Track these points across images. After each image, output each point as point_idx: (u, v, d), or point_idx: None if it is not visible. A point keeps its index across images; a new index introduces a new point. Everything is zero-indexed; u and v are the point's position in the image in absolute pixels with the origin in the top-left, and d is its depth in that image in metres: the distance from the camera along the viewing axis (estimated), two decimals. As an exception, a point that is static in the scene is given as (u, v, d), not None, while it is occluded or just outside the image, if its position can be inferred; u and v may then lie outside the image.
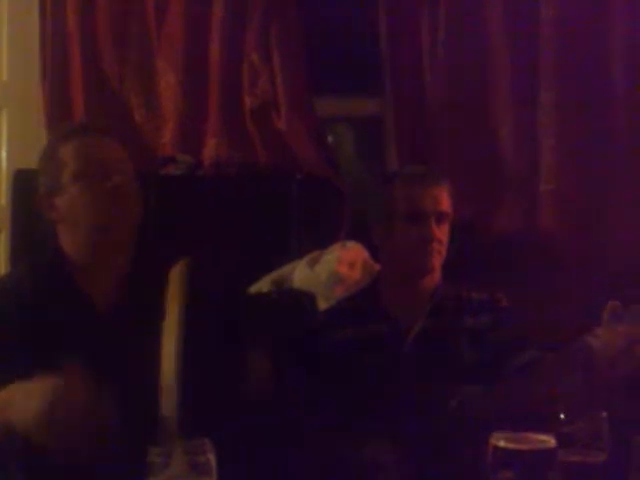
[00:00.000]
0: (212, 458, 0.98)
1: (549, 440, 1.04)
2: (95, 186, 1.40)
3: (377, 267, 1.94)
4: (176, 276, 1.37)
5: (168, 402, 1.23)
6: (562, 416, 1.16)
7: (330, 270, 2.01)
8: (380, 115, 2.35)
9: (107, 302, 1.40)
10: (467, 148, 2.19)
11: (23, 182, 2.02)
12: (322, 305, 1.91)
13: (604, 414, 1.15)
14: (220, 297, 1.48)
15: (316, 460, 1.43)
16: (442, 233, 1.65)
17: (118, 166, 1.43)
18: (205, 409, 1.23)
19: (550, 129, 2.16)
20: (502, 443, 1.04)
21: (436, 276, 1.69)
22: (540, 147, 2.17)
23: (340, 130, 2.49)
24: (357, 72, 2.38)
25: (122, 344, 1.33)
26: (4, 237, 2.25)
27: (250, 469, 1.26)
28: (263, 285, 2.05)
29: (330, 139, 2.34)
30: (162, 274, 1.41)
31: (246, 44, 2.22)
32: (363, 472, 1.42)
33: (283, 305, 1.96)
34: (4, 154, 2.35)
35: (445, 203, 1.67)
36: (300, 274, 2.05)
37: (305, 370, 1.62)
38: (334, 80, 2.37)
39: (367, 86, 2.37)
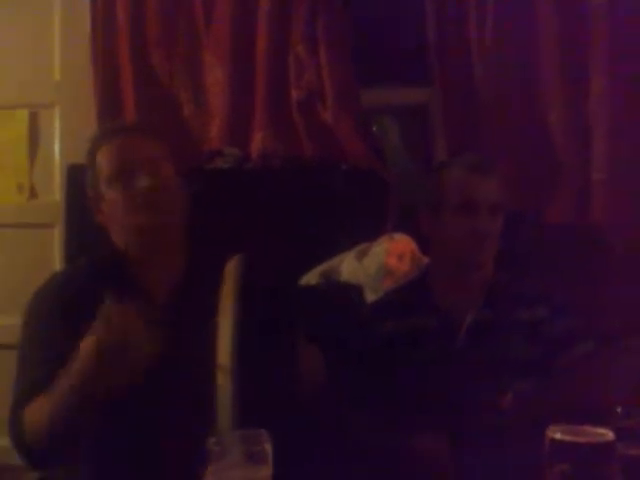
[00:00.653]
0: (268, 448, 0.99)
1: (607, 433, 1.03)
2: (126, 189, 1.40)
3: (426, 259, 1.93)
4: (231, 272, 1.38)
5: (223, 396, 1.25)
6: (619, 410, 1.14)
7: (379, 262, 2.00)
8: (426, 105, 2.33)
9: (163, 297, 1.42)
10: (516, 136, 2.16)
11: (76, 177, 2.05)
12: (370, 297, 1.91)
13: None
14: (273, 291, 1.48)
15: (371, 451, 1.43)
16: (495, 225, 1.62)
17: (147, 167, 1.41)
18: (259, 403, 1.24)
19: (601, 116, 2.12)
20: (559, 435, 1.03)
21: (488, 268, 1.66)
22: (591, 135, 2.13)
23: (386, 121, 2.47)
24: (403, 62, 2.37)
25: (178, 339, 1.36)
26: (58, 232, 2.30)
27: (305, 460, 1.27)
28: (311, 278, 2.06)
29: (376, 130, 2.33)
30: (214, 269, 1.42)
31: (292, 36, 2.23)
32: (417, 463, 1.42)
33: (331, 298, 1.96)
34: (57, 150, 2.40)
35: (498, 194, 1.64)
36: (348, 266, 2.05)
37: (353, 363, 1.62)
38: (380, 70, 2.36)
39: (413, 76, 2.35)
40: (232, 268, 1.40)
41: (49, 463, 1.33)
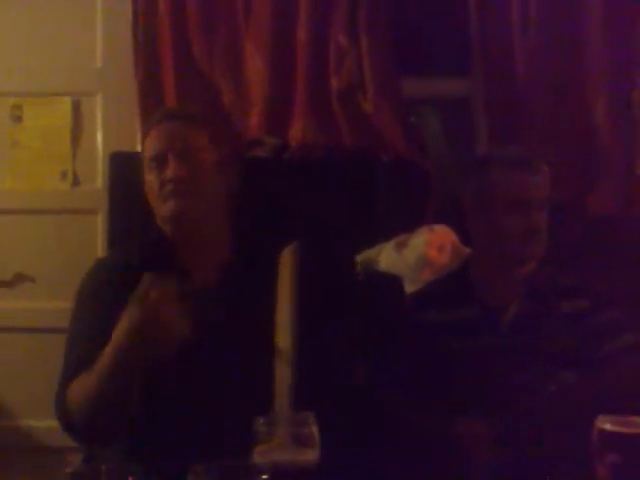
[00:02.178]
0: (315, 430, 1.00)
1: (650, 425, 1.02)
2: (158, 177, 1.43)
3: (466, 251, 1.91)
4: (288, 259, 1.39)
5: (281, 380, 1.26)
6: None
7: (418, 253, 1.99)
8: (468, 95, 2.31)
9: (207, 283, 1.43)
10: (559, 128, 2.13)
11: (119, 164, 2.07)
12: (409, 289, 1.91)
13: None
14: (327, 279, 1.50)
15: (413, 436, 1.43)
16: (543, 220, 1.62)
17: (182, 155, 1.42)
18: (316, 388, 1.25)
19: (647, 109, 2.09)
20: (608, 426, 1.02)
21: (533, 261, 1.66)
22: (636, 128, 2.10)
23: (427, 111, 2.46)
24: (445, 51, 2.35)
25: (226, 322, 1.37)
26: (101, 218, 2.32)
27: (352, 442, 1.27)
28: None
29: (416, 120, 2.31)
30: (260, 255, 1.43)
31: (333, 26, 2.22)
32: (461, 446, 1.42)
33: (370, 288, 1.96)
34: (100, 137, 2.42)
35: (547, 190, 1.63)
36: (387, 257, 2.04)
37: (393, 354, 1.62)
38: (421, 60, 2.35)
39: (454, 66, 2.34)
40: (288, 255, 1.41)
41: (93, 438, 1.36)
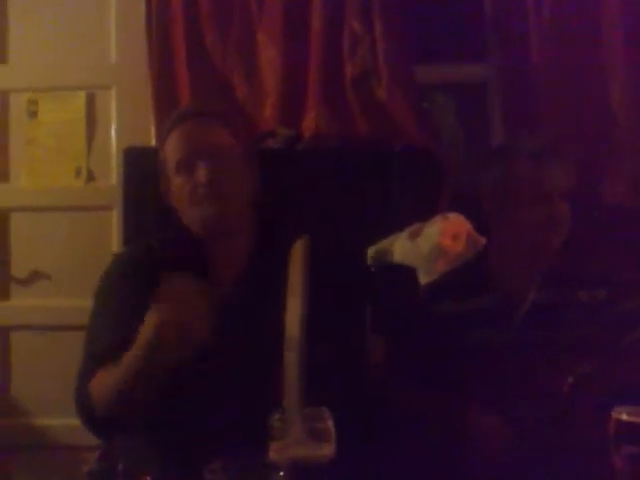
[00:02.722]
0: (331, 425, 1.00)
1: (674, 417, 1.01)
2: (188, 180, 1.44)
3: (482, 240, 1.90)
4: (298, 252, 1.40)
5: (291, 374, 1.27)
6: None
7: (432, 243, 1.97)
8: (484, 82, 2.29)
9: (230, 275, 1.45)
10: (577, 115, 2.10)
11: (133, 160, 2.08)
12: (423, 279, 1.89)
13: None
14: (341, 270, 1.52)
15: (425, 427, 1.43)
16: (564, 211, 1.61)
17: (211, 156, 1.43)
18: (326, 381, 1.26)
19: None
20: (625, 417, 1.01)
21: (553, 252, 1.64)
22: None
23: (441, 98, 2.44)
24: (459, 38, 2.33)
25: (242, 316, 1.38)
26: (116, 214, 2.33)
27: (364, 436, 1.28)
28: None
29: (431, 108, 2.29)
30: (279, 249, 1.44)
31: (347, 12, 2.20)
32: (477, 439, 1.41)
33: (384, 279, 1.95)
34: (114, 132, 2.42)
35: (567, 180, 1.62)
36: (401, 247, 2.03)
37: (409, 344, 1.62)
38: (435, 47, 2.32)
39: (470, 52, 2.31)
40: (299, 248, 1.41)
41: (112, 430, 1.38)
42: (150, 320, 1.23)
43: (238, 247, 1.49)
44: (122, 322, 1.35)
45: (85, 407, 1.35)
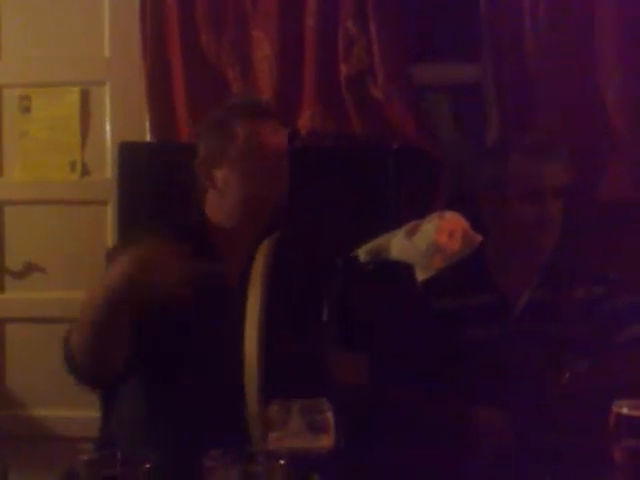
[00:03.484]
0: (330, 416, 0.99)
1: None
2: (256, 169, 1.50)
3: (478, 237, 1.90)
4: (264, 248, 1.43)
5: (250, 371, 1.28)
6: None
7: (429, 240, 1.97)
8: (479, 82, 2.29)
9: (236, 269, 1.46)
10: (572, 113, 2.11)
11: (128, 154, 2.07)
12: (420, 276, 1.89)
13: None
14: (313, 268, 1.55)
15: (421, 424, 1.43)
16: (558, 209, 1.61)
17: (277, 150, 1.54)
18: (289, 378, 1.26)
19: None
20: (625, 410, 1.01)
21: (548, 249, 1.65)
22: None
23: (438, 98, 2.44)
24: (455, 38, 2.33)
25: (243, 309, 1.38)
26: (110, 209, 2.32)
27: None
28: (360, 256, 2.04)
29: (427, 107, 2.29)
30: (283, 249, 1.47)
31: (342, 12, 2.20)
32: (474, 436, 1.41)
33: (380, 276, 1.95)
34: (108, 127, 2.41)
35: (563, 178, 1.62)
36: (398, 244, 2.02)
37: (405, 341, 1.62)
38: (431, 46, 2.32)
39: (465, 52, 2.31)
40: (266, 245, 1.43)
41: (95, 378, 1.38)
42: (120, 264, 1.24)
43: (248, 238, 1.52)
44: None
45: (67, 357, 1.36)
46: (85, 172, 2.42)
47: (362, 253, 2.06)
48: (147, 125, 2.30)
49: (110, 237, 2.30)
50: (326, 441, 1.00)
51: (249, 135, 1.51)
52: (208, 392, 1.35)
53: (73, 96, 2.43)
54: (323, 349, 1.37)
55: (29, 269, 2.39)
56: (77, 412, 2.14)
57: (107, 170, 2.38)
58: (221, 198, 1.52)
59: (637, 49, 2.07)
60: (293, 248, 1.55)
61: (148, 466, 0.87)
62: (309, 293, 1.49)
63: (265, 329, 1.38)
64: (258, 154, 1.51)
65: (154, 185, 1.92)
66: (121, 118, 2.39)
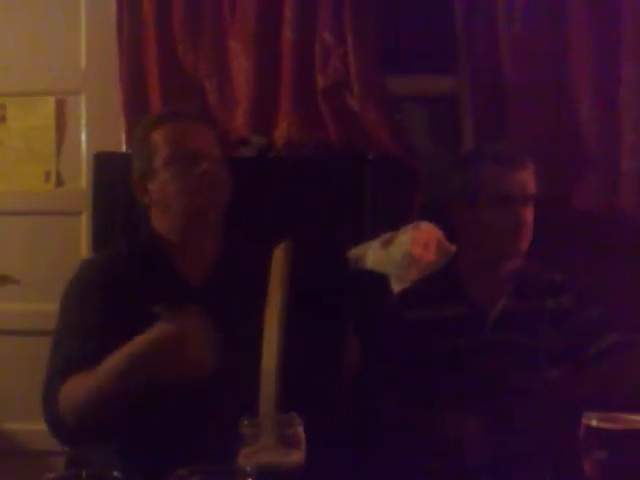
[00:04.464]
0: (301, 431, 0.99)
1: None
2: (185, 172, 1.44)
3: (452, 248, 1.91)
4: (279, 258, 1.39)
5: (267, 384, 1.26)
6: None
7: (404, 251, 1.99)
8: (454, 93, 2.31)
9: (199, 281, 1.44)
10: (545, 125, 2.13)
11: (103, 165, 2.06)
12: (396, 287, 1.90)
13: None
14: (320, 277, 1.51)
15: (400, 432, 1.43)
16: (529, 216, 1.63)
17: (207, 152, 1.46)
18: (302, 389, 1.25)
19: (631, 104, 2.09)
20: (595, 423, 1.02)
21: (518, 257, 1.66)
22: (621, 124, 2.10)
23: (413, 109, 2.45)
24: (430, 49, 2.35)
25: (212, 322, 1.37)
26: (85, 219, 2.30)
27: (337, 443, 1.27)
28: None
29: (403, 118, 2.31)
30: (253, 255, 1.44)
31: (318, 23, 2.21)
32: (447, 442, 1.41)
33: (357, 286, 1.95)
34: (84, 137, 2.40)
35: (533, 185, 1.64)
36: (373, 255, 2.04)
37: (381, 352, 1.62)
38: (407, 57, 2.34)
39: (441, 63, 2.33)
40: (280, 253, 1.41)
41: (82, 438, 1.35)
42: (155, 332, 1.21)
43: (205, 251, 1.49)
44: (93, 331, 1.32)
45: (53, 414, 1.32)
46: (60, 182, 2.41)
47: (338, 263, 2.07)
48: (123, 135, 2.30)
49: (84, 248, 2.29)
50: (297, 456, 0.99)
51: (169, 140, 1.46)
52: (187, 404, 1.32)
53: (49, 106, 2.42)
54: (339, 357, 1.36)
55: (3, 280, 2.36)
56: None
57: (82, 180, 2.37)
58: (162, 212, 1.48)
59: (608, 64, 2.10)
60: (296, 259, 1.50)
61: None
62: (322, 303, 1.46)
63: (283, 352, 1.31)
64: (182, 156, 1.45)
65: (129, 196, 1.91)
66: (97, 128, 2.38)
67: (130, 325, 1.27)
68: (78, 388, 1.28)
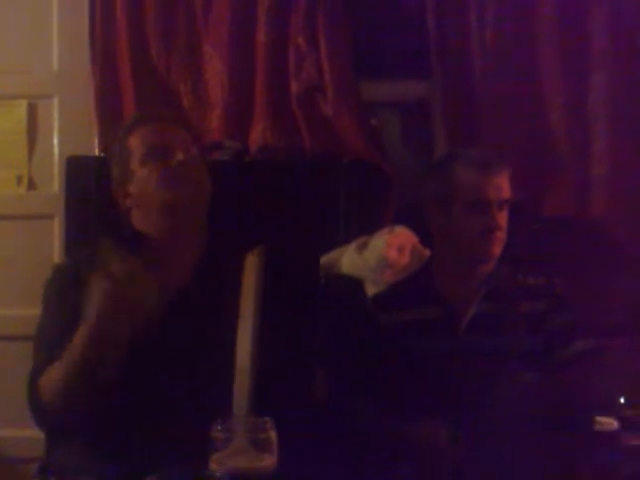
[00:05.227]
0: (273, 435, 0.99)
1: (611, 422, 1.03)
2: (160, 166, 1.45)
3: (427, 252, 1.93)
4: (252, 263, 1.40)
5: (241, 384, 1.26)
6: (622, 400, 1.14)
7: (378, 255, 2.00)
8: (427, 99, 2.33)
9: (181, 282, 1.44)
10: (517, 131, 2.16)
11: (75, 168, 2.04)
12: (371, 290, 1.91)
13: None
14: (294, 281, 1.51)
15: (371, 440, 1.43)
16: (503, 220, 1.64)
17: (181, 146, 1.47)
18: (276, 392, 1.25)
19: (601, 112, 2.13)
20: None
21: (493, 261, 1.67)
22: (592, 130, 2.14)
23: (386, 114, 2.47)
24: (403, 55, 2.37)
25: (193, 323, 1.37)
26: (57, 223, 2.29)
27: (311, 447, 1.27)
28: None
29: (376, 123, 2.32)
30: (230, 259, 1.44)
31: (292, 28, 2.22)
32: (418, 451, 1.42)
33: (331, 290, 1.96)
34: (56, 141, 2.38)
35: (507, 190, 1.65)
36: (348, 259, 2.04)
37: (355, 355, 1.62)
38: (380, 63, 2.35)
39: (414, 69, 2.35)
40: (254, 258, 1.41)
41: (64, 424, 1.35)
42: (95, 296, 1.22)
43: (188, 249, 1.49)
44: (75, 322, 1.33)
45: (36, 404, 1.33)
46: (32, 186, 2.39)
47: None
48: (95, 139, 2.28)
49: (57, 251, 2.27)
50: (269, 461, 0.99)
51: (144, 140, 1.47)
52: (161, 402, 1.32)
53: (20, 109, 2.39)
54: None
55: (-26, 285, 2.34)
56: (23, 432, 2.09)
57: (54, 184, 2.35)
58: (144, 213, 1.48)
59: (578, 72, 2.14)
60: (278, 260, 1.50)
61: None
62: (297, 307, 1.47)
63: (258, 345, 1.33)
64: (157, 152, 1.45)
65: (102, 199, 1.89)
66: (69, 132, 2.36)
67: None
68: (53, 373, 1.30)
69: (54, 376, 1.31)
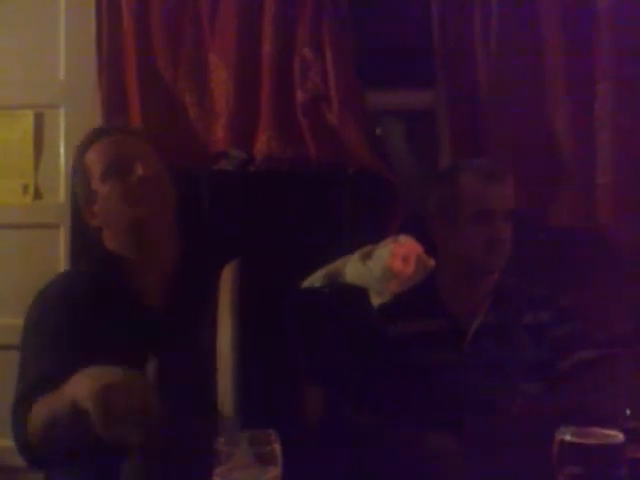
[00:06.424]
0: (277, 448, 0.99)
1: (616, 435, 1.03)
2: (121, 182, 1.42)
3: (432, 262, 1.92)
4: (227, 278, 1.38)
5: (224, 398, 1.24)
6: (628, 412, 1.14)
7: (383, 265, 1.99)
8: (432, 108, 2.33)
9: (156, 298, 1.42)
10: (522, 140, 2.16)
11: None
12: (375, 301, 1.90)
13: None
14: (273, 294, 1.48)
15: (378, 450, 1.43)
16: (507, 231, 1.64)
17: (141, 160, 1.43)
18: (260, 403, 1.24)
19: (607, 120, 2.12)
20: (569, 437, 1.03)
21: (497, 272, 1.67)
22: (596, 139, 2.13)
23: (391, 123, 2.47)
24: (408, 64, 2.37)
25: (171, 339, 1.36)
26: (63, 232, 2.30)
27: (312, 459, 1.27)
28: (315, 280, 2.05)
29: (381, 132, 2.32)
30: (212, 270, 1.42)
31: (298, 38, 2.22)
32: (424, 462, 1.41)
33: (335, 300, 1.96)
34: (62, 151, 2.39)
35: (512, 200, 1.65)
36: (352, 269, 2.03)
37: (360, 366, 1.62)
38: (385, 72, 2.36)
39: (419, 78, 2.35)
40: (228, 274, 1.40)
41: (47, 464, 1.33)
42: (92, 389, 1.09)
43: (160, 266, 1.47)
44: (61, 346, 1.31)
45: (20, 436, 1.29)
46: (38, 196, 2.40)
47: (317, 278, 2.07)
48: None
49: (63, 261, 2.28)
50: (273, 473, 0.99)
51: (101, 156, 1.44)
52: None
53: (27, 119, 2.41)
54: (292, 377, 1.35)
55: (-20, 295, 2.35)
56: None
57: (60, 194, 2.37)
58: (112, 232, 1.46)
59: (584, 80, 2.13)
60: (254, 273, 1.48)
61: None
62: (274, 320, 1.45)
63: (239, 362, 1.30)
64: (116, 169, 1.42)
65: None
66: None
67: (86, 346, 1.27)
68: (37, 414, 1.25)
69: (37, 418, 1.24)
